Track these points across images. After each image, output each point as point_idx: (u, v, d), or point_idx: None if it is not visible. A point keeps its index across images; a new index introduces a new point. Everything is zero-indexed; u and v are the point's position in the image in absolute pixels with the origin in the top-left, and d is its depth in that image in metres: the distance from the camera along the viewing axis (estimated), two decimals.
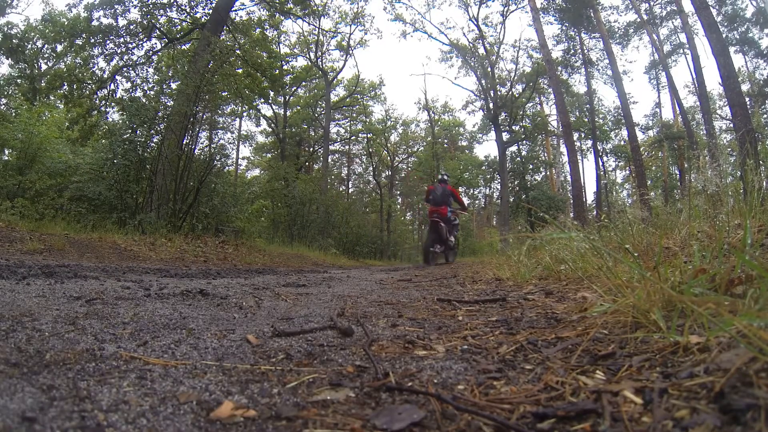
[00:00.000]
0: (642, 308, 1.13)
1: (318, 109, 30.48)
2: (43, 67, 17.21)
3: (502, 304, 2.12)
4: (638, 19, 23.31)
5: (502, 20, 25.09)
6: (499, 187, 29.75)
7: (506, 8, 24.59)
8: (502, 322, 1.58)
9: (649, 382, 0.78)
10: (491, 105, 25.35)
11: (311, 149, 31.47)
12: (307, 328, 1.52)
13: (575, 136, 24.66)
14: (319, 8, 22.64)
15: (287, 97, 27.29)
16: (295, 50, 26.36)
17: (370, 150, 34.19)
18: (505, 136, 25.79)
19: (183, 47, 16.74)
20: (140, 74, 15.88)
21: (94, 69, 15.75)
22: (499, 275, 3.88)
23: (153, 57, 16.49)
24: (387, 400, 0.82)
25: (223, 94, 13.60)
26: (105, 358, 1.01)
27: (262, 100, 24.37)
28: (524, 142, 28.47)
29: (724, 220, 2.20)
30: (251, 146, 36.50)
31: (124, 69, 15.87)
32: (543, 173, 31.51)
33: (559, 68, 23.72)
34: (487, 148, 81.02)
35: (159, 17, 16.12)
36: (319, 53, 25.44)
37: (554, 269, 3.14)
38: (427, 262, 9.26)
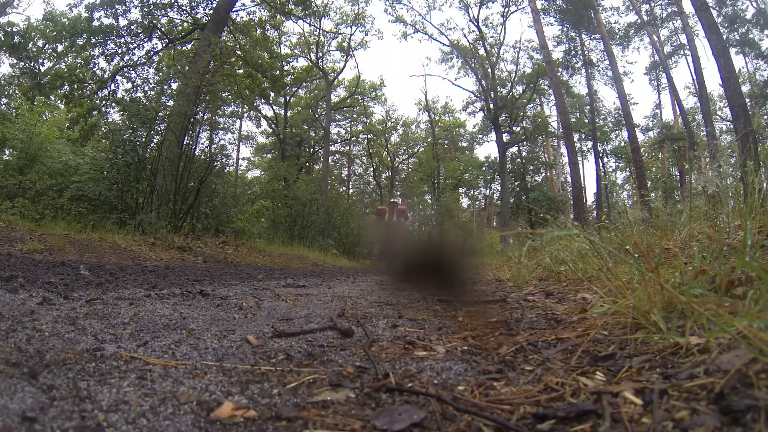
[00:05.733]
0: (642, 309, 1.13)
1: (318, 109, 30.46)
2: (45, 66, 17.26)
3: (503, 305, 2.12)
4: (639, 20, 23.32)
5: (503, 21, 25.12)
6: (499, 188, 29.74)
7: (507, 9, 24.62)
8: (502, 323, 1.58)
9: (649, 383, 0.78)
10: (492, 106, 25.36)
11: (312, 150, 31.43)
12: (307, 328, 1.52)
13: (576, 137, 24.66)
14: (320, 9, 22.67)
15: (288, 98, 27.28)
16: (296, 51, 26.34)
17: (371, 151, 34.18)
18: (505, 137, 25.79)
19: (184, 47, 16.75)
20: (141, 74, 15.91)
21: (94, 69, 15.78)
22: (500, 276, 3.88)
23: (154, 57, 16.52)
24: (387, 401, 0.82)
25: (224, 94, 13.60)
26: (105, 358, 1.01)
27: (263, 101, 24.40)
28: (525, 143, 28.45)
29: (725, 221, 2.20)
30: (252, 147, 36.48)
31: (125, 69, 15.90)
32: (543, 174, 31.50)
33: (560, 69, 23.73)
34: (487, 149, 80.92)
35: (160, 17, 16.15)
36: (320, 54, 25.44)
37: (554, 270, 3.14)
38: None
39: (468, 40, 26.16)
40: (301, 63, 26.57)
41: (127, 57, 15.86)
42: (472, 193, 38.85)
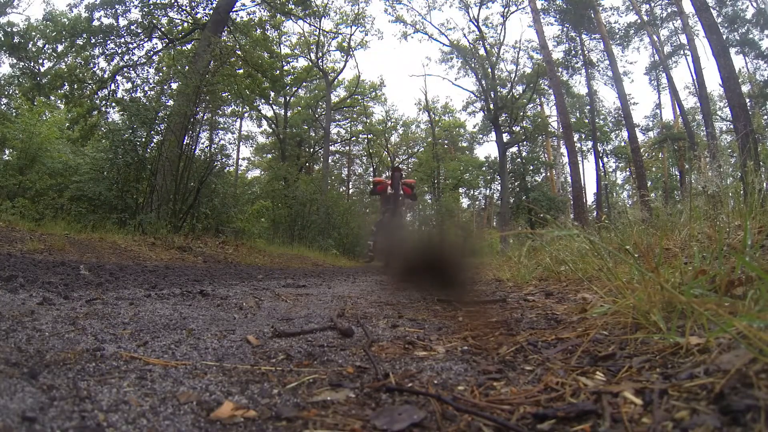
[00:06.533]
0: (642, 309, 1.13)
1: (318, 109, 30.49)
2: (45, 66, 17.27)
3: (503, 305, 2.12)
4: (639, 20, 23.33)
5: (503, 21, 25.17)
6: (499, 188, 29.76)
7: (507, 9, 24.67)
8: (502, 323, 1.58)
9: (649, 383, 0.78)
10: (492, 106, 25.38)
11: (312, 150, 31.44)
12: (307, 328, 1.52)
13: (575, 137, 24.68)
14: (320, 9, 22.69)
15: (288, 98, 27.29)
16: (296, 51, 26.36)
17: (371, 151, 34.20)
18: (505, 137, 25.81)
19: (184, 47, 16.76)
20: (141, 74, 15.92)
21: (94, 69, 15.79)
22: (500, 276, 3.87)
23: (153, 57, 16.53)
24: (387, 401, 0.82)
25: (224, 94, 13.60)
26: (105, 358, 1.01)
27: (263, 101, 24.41)
28: (524, 143, 28.45)
29: (725, 221, 2.20)
30: (252, 147, 36.49)
31: (125, 69, 15.91)
32: (543, 174, 31.49)
33: (560, 69, 23.77)
34: (487, 149, 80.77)
35: (160, 17, 16.15)
36: (320, 54, 25.46)
37: (554, 270, 3.14)
38: None
39: (468, 40, 26.21)
40: (301, 63, 26.62)
41: (127, 57, 15.88)
42: (472, 193, 38.89)
